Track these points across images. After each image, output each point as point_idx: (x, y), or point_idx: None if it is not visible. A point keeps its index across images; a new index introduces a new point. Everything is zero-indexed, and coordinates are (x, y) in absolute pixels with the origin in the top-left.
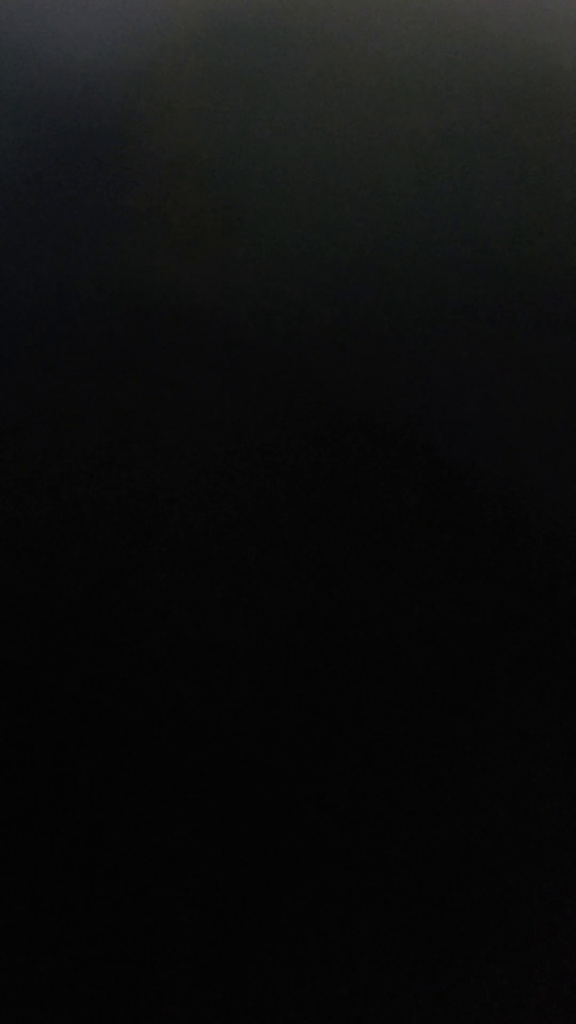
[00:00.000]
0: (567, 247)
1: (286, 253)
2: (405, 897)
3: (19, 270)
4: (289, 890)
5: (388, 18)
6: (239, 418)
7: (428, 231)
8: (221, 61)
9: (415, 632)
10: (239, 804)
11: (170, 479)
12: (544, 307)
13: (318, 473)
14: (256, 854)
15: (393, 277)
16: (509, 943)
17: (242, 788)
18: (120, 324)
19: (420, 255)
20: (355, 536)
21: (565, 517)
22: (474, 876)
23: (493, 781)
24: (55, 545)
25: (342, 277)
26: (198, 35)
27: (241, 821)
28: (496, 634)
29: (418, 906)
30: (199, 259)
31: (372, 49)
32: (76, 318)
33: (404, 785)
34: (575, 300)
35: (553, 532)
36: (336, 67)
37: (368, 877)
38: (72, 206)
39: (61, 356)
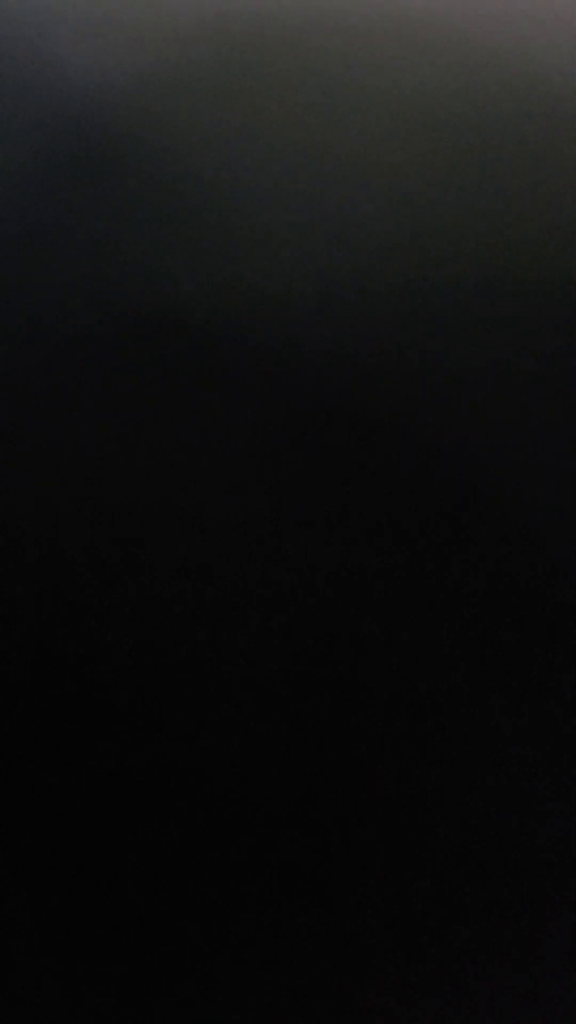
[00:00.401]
0: (567, 257)
1: (287, 264)
2: (405, 898)
3: (17, 281)
4: (288, 891)
5: (389, 30)
6: (238, 427)
7: (429, 239)
8: (222, 75)
9: (415, 635)
10: (238, 804)
11: (169, 487)
12: (544, 313)
13: (318, 479)
14: (256, 855)
15: (394, 287)
16: (510, 945)
17: (241, 789)
18: (119, 336)
19: (421, 263)
20: (355, 542)
21: (566, 520)
22: (474, 878)
23: (493, 784)
24: (52, 549)
25: (343, 289)
26: (200, 48)
27: (240, 821)
28: (496, 635)
29: (419, 907)
30: (199, 271)
31: (378, 59)
32: (75, 330)
33: (404, 789)
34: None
35: (554, 535)
36: (337, 79)
37: (368, 878)
38: (71, 217)
39: (59, 367)
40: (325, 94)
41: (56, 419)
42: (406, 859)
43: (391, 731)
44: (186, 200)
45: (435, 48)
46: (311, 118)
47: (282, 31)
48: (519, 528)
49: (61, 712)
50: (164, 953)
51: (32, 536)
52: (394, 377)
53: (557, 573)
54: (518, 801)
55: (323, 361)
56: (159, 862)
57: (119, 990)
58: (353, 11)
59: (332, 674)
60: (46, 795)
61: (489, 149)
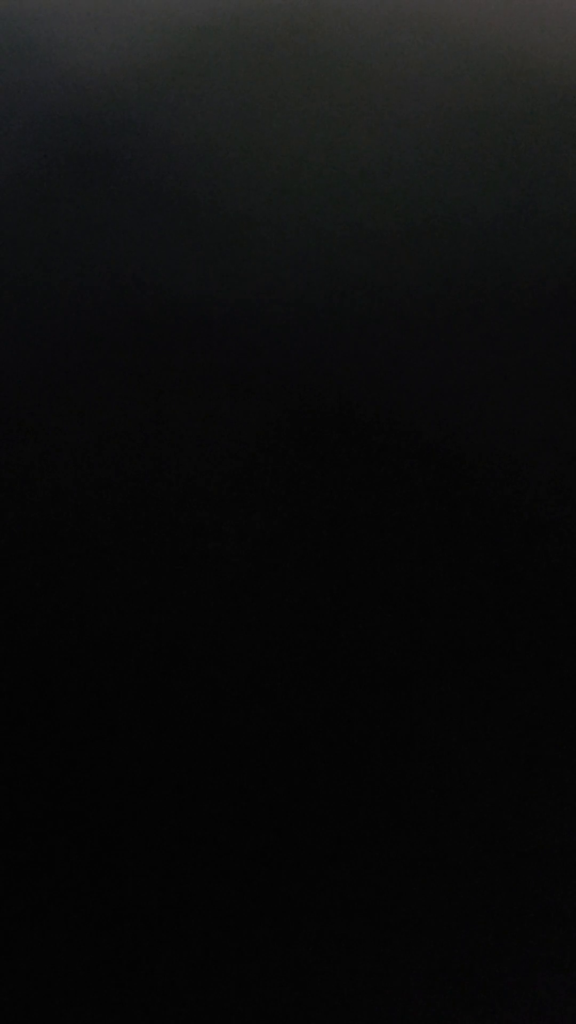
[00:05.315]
0: (563, 242)
1: (288, 253)
2: (404, 899)
3: (24, 271)
4: (288, 891)
5: (388, 24)
6: (237, 418)
7: (427, 228)
8: (224, 66)
9: (415, 625)
10: (238, 804)
11: (170, 476)
12: (539, 300)
13: (318, 466)
14: (256, 856)
15: (394, 275)
16: (509, 944)
17: (242, 789)
18: (123, 324)
19: (419, 253)
20: (354, 529)
21: (563, 503)
22: (474, 877)
23: (493, 776)
24: (53, 538)
25: (345, 282)
26: (201, 40)
27: (240, 822)
28: (495, 622)
29: (418, 907)
30: (202, 260)
31: (372, 54)
32: (79, 318)
33: (403, 784)
34: (570, 292)
35: (550, 519)
36: (336, 71)
37: (367, 879)
38: (76, 207)
39: (65, 354)
40: (327, 86)
41: (56, 412)
42: (406, 859)
43: (390, 727)
44: (187, 193)
45: (436, 39)
46: (313, 111)
47: (284, 24)
48: (519, 523)
49: (61, 706)
50: (163, 954)
51: (32, 531)
52: (394, 370)
53: (557, 570)
54: (518, 798)
55: (323, 353)
56: (158, 859)
57: (119, 988)
58: (354, 4)
59: (330, 662)
60: (47, 792)
61: (491, 142)
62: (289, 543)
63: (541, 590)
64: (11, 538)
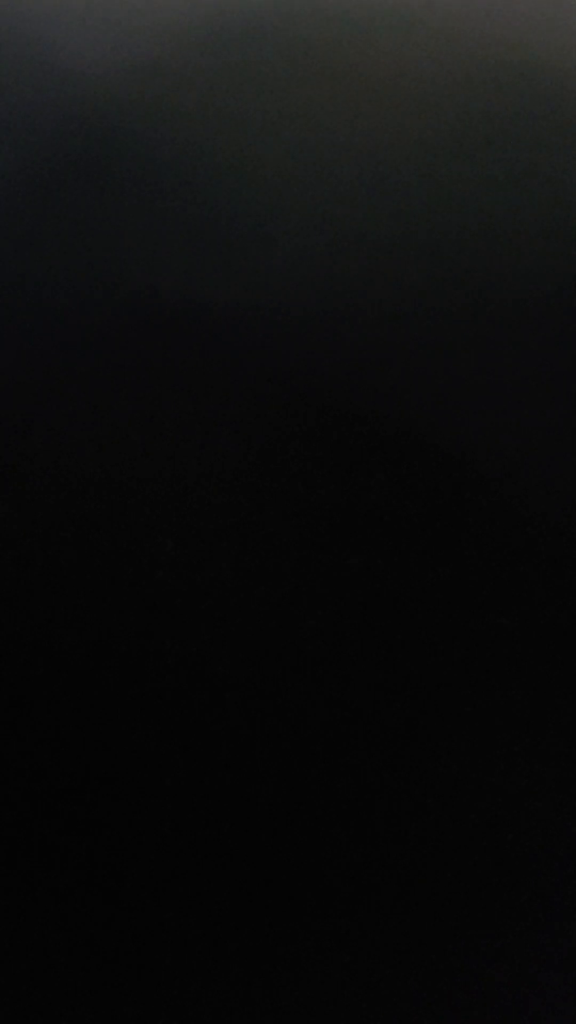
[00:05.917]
0: (562, 244)
1: (288, 255)
2: (405, 898)
3: (24, 271)
4: (289, 892)
5: (389, 27)
6: (240, 413)
7: (428, 228)
8: (225, 65)
9: (415, 624)
10: (238, 805)
11: (171, 475)
12: (540, 300)
13: (319, 467)
14: (256, 857)
15: (394, 274)
16: (509, 944)
17: (243, 789)
18: (123, 325)
19: (420, 251)
20: (354, 527)
21: (563, 503)
22: (474, 878)
23: (493, 776)
24: (54, 537)
25: (343, 281)
26: (202, 38)
27: (239, 822)
28: (495, 621)
29: (418, 907)
30: (202, 262)
31: (374, 51)
32: (79, 320)
33: (405, 784)
34: (570, 292)
35: (551, 518)
36: (338, 70)
37: (368, 879)
38: (76, 209)
39: (64, 357)
40: (324, 87)
41: (57, 414)
42: (406, 860)
43: (390, 728)
44: (187, 196)
45: (435, 40)
46: (310, 111)
47: (281, 24)
48: (519, 523)
49: (63, 705)
50: (164, 957)
51: (34, 529)
52: (394, 372)
53: (556, 556)
54: (518, 797)
55: (323, 354)
56: (158, 860)
57: (118, 992)
58: (354, 7)
59: (331, 663)
60: (49, 795)
61: (489, 143)
62: (289, 544)
63: (542, 590)
64: (11, 538)
